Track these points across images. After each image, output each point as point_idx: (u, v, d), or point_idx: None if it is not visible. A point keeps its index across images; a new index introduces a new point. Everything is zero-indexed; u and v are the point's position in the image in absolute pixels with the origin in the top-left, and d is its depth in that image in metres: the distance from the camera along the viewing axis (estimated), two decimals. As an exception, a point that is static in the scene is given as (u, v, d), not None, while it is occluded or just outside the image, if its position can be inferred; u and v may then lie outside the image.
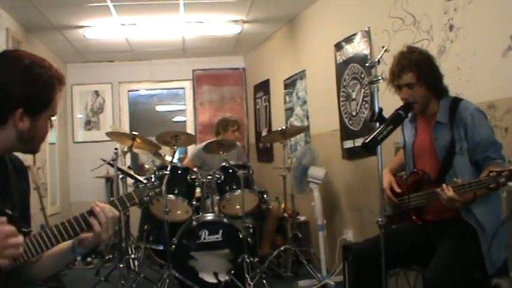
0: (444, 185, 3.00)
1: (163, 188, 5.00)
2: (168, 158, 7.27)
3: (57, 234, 2.07)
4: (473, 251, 3.02)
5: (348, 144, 5.80)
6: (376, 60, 3.07)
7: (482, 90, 3.72)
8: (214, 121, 7.36)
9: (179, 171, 5.52)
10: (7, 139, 2.08)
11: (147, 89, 10.26)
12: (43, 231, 2.06)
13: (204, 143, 6.37)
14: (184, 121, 10.14)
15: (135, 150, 6.32)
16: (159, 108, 11.24)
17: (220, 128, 6.88)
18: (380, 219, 3.08)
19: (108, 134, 6.09)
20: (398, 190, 3.52)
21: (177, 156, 7.83)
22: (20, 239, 1.97)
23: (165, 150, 7.13)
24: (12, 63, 2.07)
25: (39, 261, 2.18)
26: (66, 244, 2.16)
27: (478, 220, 3.08)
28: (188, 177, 5.55)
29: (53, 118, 2.19)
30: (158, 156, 7.46)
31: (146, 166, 9.73)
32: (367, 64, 3.16)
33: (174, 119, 11.26)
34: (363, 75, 5.41)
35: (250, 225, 5.76)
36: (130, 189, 5.32)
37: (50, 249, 2.08)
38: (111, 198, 2.24)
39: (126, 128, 9.14)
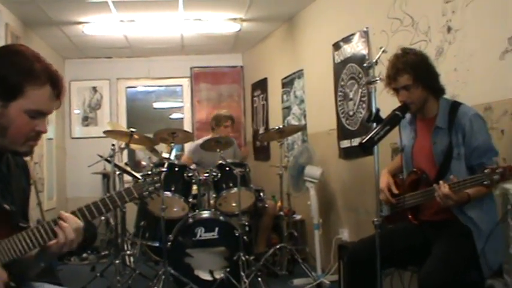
0: (441, 182, 3.02)
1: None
2: (165, 155, 7.31)
3: (28, 240, 2.05)
4: (469, 252, 3.05)
5: (345, 143, 5.81)
6: (374, 61, 3.10)
7: (479, 92, 3.74)
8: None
9: (176, 169, 5.52)
10: None
11: (145, 86, 10.27)
12: (19, 235, 2.05)
13: (201, 140, 6.40)
14: (182, 118, 10.15)
15: (132, 146, 6.35)
16: (156, 105, 11.27)
17: (213, 124, 6.93)
18: (376, 219, 3.10)
19: (105, 132, 6.09)
20: (395, 191, 3.54)
21: (174, 153, 7.87)
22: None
23: (161, 147, 7.16)
24: (5, 51, 2.09)
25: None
26: (34, 251, 2.12)
27: (474, 221, 3.10)
28: (185, 175, 5.55)
29: (46, 127, 2.13)
30: (155, 153, 7.49)
31: (143, 163, 9.77)
32: (365, 65, 3.19)
33: (171, 116, 11.29)
34: (360, 76, 5.43)
35: (246, 223, 5.77)
36: (127, 186, 5.35)
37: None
38: (107, 194, 2.23)
39: (123, 125, 9.13)
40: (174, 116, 10.81)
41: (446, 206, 3.07)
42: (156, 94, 10.93)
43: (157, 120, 11.01)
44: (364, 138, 3.02)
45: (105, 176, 8.71)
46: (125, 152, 7.93)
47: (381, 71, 3.73)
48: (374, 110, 3.08)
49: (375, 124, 3.08)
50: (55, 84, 2.09)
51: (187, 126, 9.66)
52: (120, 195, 2.23)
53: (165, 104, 11.23)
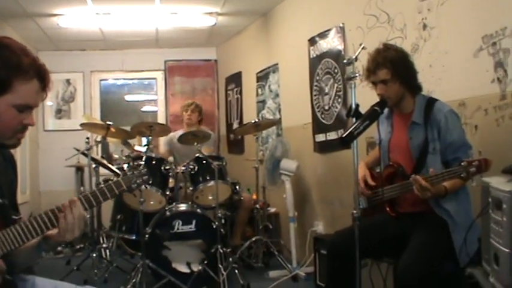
0: (415, 176, 3.11)
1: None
2: (137, 148, 7.34)
3: (30, 229, 2.08)
4: (445, 244, 3.15)
5: (320, 137, 5.90)
6: (354, 57, 3.17)
7: (454, 89, 3.83)
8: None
9: (153, 162, 5.54)
10: None
11: (119, 79, 10.24)
12: (18, 226, 2.07)
13: (175, 133, 6.48)
14: (156, 111, 10.16)
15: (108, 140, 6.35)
16: (129, 97, 11.21)
17: (181, 113, 7.07)
18: (355, 212, 3.17)
19: (82, 124, 6.08)
20: (372, 183, 3.62)
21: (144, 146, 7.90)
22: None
23: (132, 140, 7.17)
24: None
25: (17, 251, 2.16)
26: (33, 241, 2.15)
27: (450, 213, 3.21)
28: (162, 168, 5.58)
29: (33, 120, 2.16)
30: (128, 146, 7.49)
31: (115, 156, 9.73)
32: (345, 61, 3.25)
33: (144, 109, 11.25)
34: (336, 71, 5.51)
35: (223, 216, 5.82)
36: (101, 179, 5.38)
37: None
38: (99, 186, 2.26)
39: (97, 117, 9.11)
40: (148, 109, 10.78)
41: (425, 198, 3.16)
42: (129, 87, 10.89)
43: (130, 113, 10.97)
44: (345, 133, 3.10)
45: (79, 169, 8.68)
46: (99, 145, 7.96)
47: (356, 66, 3.84)
48: (354, 106, 3.15)
49: (354, 119, 3.15)
50: (42, 78, 2.10)
51: (161, 119, 9.70)
52: (110, 187, 2.26)
53: (137, 96, 11.19)
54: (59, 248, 7.50)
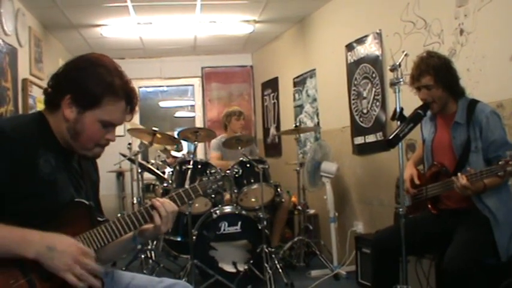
0: (459, 174, 3.29)
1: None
2: (174, 154, 7.57)
3: (124, 225, 2.26)
4: (487, 239, 3.32)
5: (359, 140, 6.07)
6: (398, 63, 3.35)
7: (491, 91, 4.00)
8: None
9: (199, 166, 5.73)
10: (59, 126, 2.22)
11: (157, 86, 10.50)
12: (107, 224, 2.25)
13: (221, 136, 6.70)
14: (191, 117, 10.42)
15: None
16: (167, 104, 11.46)
17: (225, 121, 7.21)
18: (401, 209, 3.35)
19: (129, 130, 6.31)
20: (418, 182, 3.80)
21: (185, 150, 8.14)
22: (98, 267, 2.13)
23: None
24: (91, 60, 2.24)
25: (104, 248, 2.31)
26: (127, 235, 2.33)
27: (491, 210, 3.37)
28: (208, 172, 5.75)
29: (114, 137, 2.30)
30: (165, 151, 7.73)
31: (152, 161, 10.00)
32: (389, 67, 3.43)
33: (181, 115, 11.49)
34: (374, 75, 5.68)
35: (266, 217, 5.99)
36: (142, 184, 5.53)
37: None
38: (175, 192, 2.42)
39: (137, 123, 9.34)
40: (186, 114, 11.03)
41: (465, 196, 3.32)
42: (165, 93, 11.13)
43: (164, 119, 11.26)
44: (391, 135, 3.28)
45: (120, 174, 8.95)
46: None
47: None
48: (398, 109, 3.34)
49: (399, 122, 3.33)
50: (130, 101, 2.27)
51: (199, 125, 9.92)
52: (187, 192, 2.43)
53: (176, 102, 11.44)
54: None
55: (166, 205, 2.32)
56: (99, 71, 2.20)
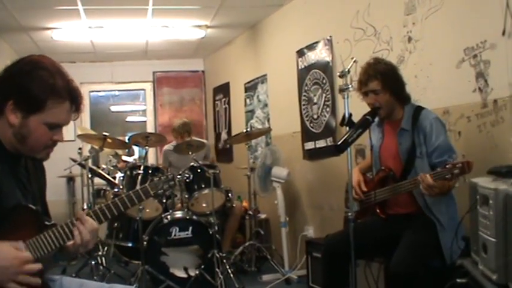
0: (421, 173, 3.34)
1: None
2: (124, 158, 7.53)
3: (51, 240, 2.20)
4: (433, 242, 3.40)
5: (309, 145, 6.12)
6: (347, 69, 3.41)
7: (438, 98, 4.08)
8: (174, 122, 7.66)
9: (150, 171, 5.71)
10: (4, 131, 2.19)
11: (108, 90, 10.40)
12: (55, 229, 2.21)
13: (171, 143, 6.67)
14: (142, 121, 10.36)
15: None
16: (118, 108, 11.36)
17: (175, 135, 7.23)
18: (350, 214, 3.40)
19: (79, 135, 6.24)
20: (364, 189, 3.86)
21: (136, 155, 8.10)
22: (37, 266, 2.10)
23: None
24: (30, 63, 2.20)
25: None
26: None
27: (436, 215, 3.46)
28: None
29: (62, 137, 2.28)
30: (116, 156, 7.69)
31: (103, 166, 9.90)
32: (338, 73, 3.49)
33: (133, 120, 11.40)
34: (324, 81, 5.74)
35: (217, 222, 6.00)
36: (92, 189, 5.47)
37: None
38: (125, 193, 2.42)
39: (87, 128, 9.23)
40: (137, 119, 10.95)
41: (432, 195, 3.36)
42: (116, 98, 11.03)
43: (119, 124, 11.14)
44: (339, 141, 3.33)
45: (71, 179, 8.82)
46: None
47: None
48: (347, 115, 3.39)
49: (347, 128, 3.38)
50: (74, 100, 2.25)
51: (150, 130, 9.87)
52: (137, 194, 2.41)
53: (126, 107, 11.35)
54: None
55: (87, 225, 2.24)
56: (40, 73, 2.17)
